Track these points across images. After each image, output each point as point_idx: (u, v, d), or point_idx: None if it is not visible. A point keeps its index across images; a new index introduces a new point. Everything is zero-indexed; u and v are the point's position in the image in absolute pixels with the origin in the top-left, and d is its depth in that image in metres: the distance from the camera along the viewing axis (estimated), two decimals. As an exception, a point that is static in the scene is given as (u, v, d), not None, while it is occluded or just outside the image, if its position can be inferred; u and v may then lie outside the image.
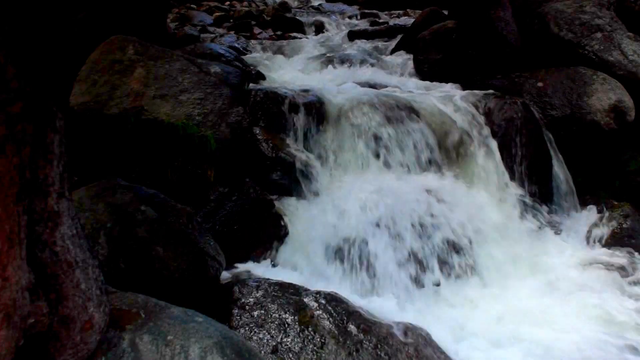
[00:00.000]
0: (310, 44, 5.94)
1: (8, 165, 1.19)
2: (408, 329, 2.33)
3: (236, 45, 5.42)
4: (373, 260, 2.87)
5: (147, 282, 2.14)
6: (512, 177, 3.50)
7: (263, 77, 4.13)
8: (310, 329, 2.18)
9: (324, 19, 7.66)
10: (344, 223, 2.99)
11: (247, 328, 2.19)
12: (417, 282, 2.87)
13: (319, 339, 2.15)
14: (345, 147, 3.33)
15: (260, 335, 2.16)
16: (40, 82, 1.30)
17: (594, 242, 3.36)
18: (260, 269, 2.79)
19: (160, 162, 2.93)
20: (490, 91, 3.83)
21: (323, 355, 2.11)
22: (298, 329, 2.18)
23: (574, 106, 3.70)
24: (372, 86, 3.99)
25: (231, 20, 7.38)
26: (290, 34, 6.73)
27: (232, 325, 2.18)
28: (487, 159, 3.49)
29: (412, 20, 6.15)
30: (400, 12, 8.16)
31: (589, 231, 3.43)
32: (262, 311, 2.24)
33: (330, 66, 4.96)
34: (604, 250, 3.28)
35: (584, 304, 2.80)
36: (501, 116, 3.60)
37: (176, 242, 2.29)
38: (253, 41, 6.03)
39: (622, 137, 3.71)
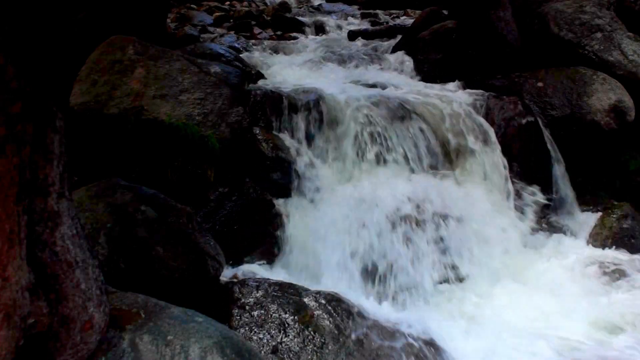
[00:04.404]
0: (310, 44, 5.94)
1: (8, 165, 1.19)
2: (408, 329, 2.33)
3: (236, 45, 5.42)
4: (373, 260, 2.87)
5: (147, 282, 2.14)
6: (512, 177, 3.50)
7: (263, 77, 4.13)
8: (310, 329, 2.18)
9: (324, 19, 7.66)
10: (345, 223, 2.99)
11: (247, 328, 2.19)
12: (418, 283, 2.87)
13: (319, 339, 2.15)
14: (345, 147, 3.33)
15: (260, 335, 2.16)
16: (40, 82, 1.30)
17: (594, 242, 3.35)
18: (260, 269, 2.79)
19: (160, 162, 2.93)
20: (490, 91, 3.83)
21: (323, 355, 2.11)
22: (298, 329, 2.18)
23: (574, 106, 3.70)
24: (372, 86, 3.99)
25: (231, 20, 7.38)
26: (290, 34, 6.73)
27: (232, 325, 2.18)
28: (487, 159, 3.49)
29: (412, 20, 6.15)
30: (400, 12, 8.15)
31: (589, 231, 3.43)
32: (262, 311, 2.24)
33: (330, 66, 4.95)
34: (604, 250, 3.28)
35: (584, 305, 2.80)
36: (501, 116, 3.60)
37: (176, 242, 2.29)
38: (253, 41, 6.03)
39: (622, 137, 3.71)
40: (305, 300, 2.30)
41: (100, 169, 2.82)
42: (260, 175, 3.13)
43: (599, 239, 3.35)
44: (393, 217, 3.02)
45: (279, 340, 2.15)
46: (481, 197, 3.36)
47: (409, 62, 4.83)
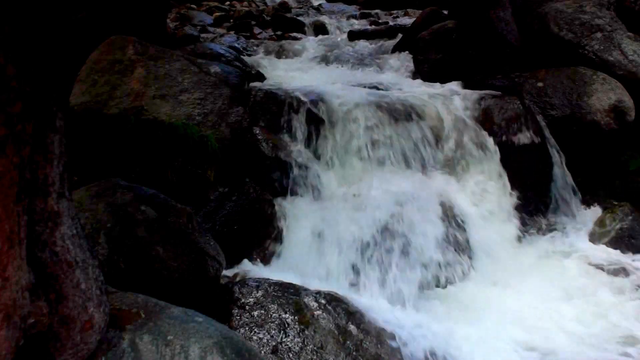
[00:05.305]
0: (310, 44, 5.94)
1: (8, 165, 1.19)
2: (408, 329, 2.33)
3: (236, 45, 5.42)
4: (373, 261, 2.87)
5: (147, 282, 2.14)
6: (512, 178, 3.50)
7: (263, 77, 4.13)
8: (310, 329, 2.18)
9: (324, 19, 7.65)
10: (344, 222, 2.99)
11: (247, 328, 2.19)
12: (418, 283, 2.87)
13: (319, 339, 2.15)
14: (345, 147, 3.33)
15: (260, 335, 2.16)
16: (40, 82, 1.30)
17: (594, 242, 3.35)
18: (260, 269, 2.79)
19: (160, 162, 2.93)
20: (490, 91, 3.83)
21: (323, 355, 2.11)
22: (298, 329, 2.18)
23: (574, 106, 3.70)
24: (372, 86, 3.99)
25: (231, 20, 7.37)
26: (291, 34, 6.72)
27: (232, 325, 2.18)
28: (486, 159, 3.49)
29: (412, 20, 6.14)
30: (400, 12, 8.14)
31: (589, 232, 3.43)
32: (262, 311, 2.24)
33: (330, 66, 4.96)
34: (605, 250, 3.27)
35: (585, 305, 2.79)
36: (501, 116, 3.60)
37: (176, 242, 2.29)
38: (253, 41, 6.03)
39: (622, 137, 3.71)
40: (305, 300, 2.30)
41: (100, 169, 2.82)
42: (260, 175, 3.13)
43: (599, 239, 3.35)
44: (392, 218, 3.02)
45: (279, 340, 2.14)
46: (481, 197, 3.36)
47: (409, 62, 4.84)
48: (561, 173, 3.67)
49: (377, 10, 8.27)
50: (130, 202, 2.32)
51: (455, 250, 3.03)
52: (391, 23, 7.03)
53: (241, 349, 1.69)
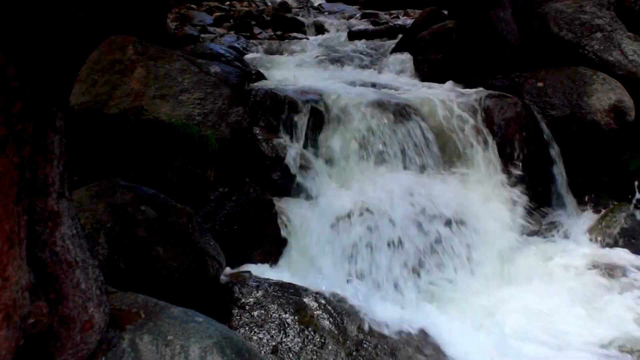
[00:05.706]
0: (310, 44, 5.94)
1: (8, 165, 1.19)
2: (408, 328, 2.33)
3: (236, 45, 5.42)
4: (372, 260, 2.87)
5: (147, 282, 2.14)
6: (511, 178, 3.50)
7: (263, 77, 4.13)
8: (310, 329, 2.18)
9: (324, 19, 7.66)
10: (344, 222, 2.99)
11: (247, 328, 2.19)
12: (417, 283, 2.87)
13: (319, 339, 2.15)
14: (344, 147, 3.33)
15: (260, 335, 2.16)
16: (40, 82, 1.30)
17: (594, 243, 3.35)
18: (260, 269, 2.79)
19: (160, 162, 2.93)
20: (490, 91, 3.83)
21: (323, 355, 2.11)
22: (298, 329, 2.18)
23: (574, 106, 3.70)
24: (372, 86, 3.99)
25: (231, 20, 7.38)
26: (291, 34, 6.73)
27: (232, 325, 2.18)
28: (486, 159, 3.49)
29: (412, 20, 6.15)
30: (400, 12, 8.14)
31: (589, 232, 3.43)
32: (262, 311, 2.24)
33: (330, 66, 4.96)
34: (604, 251, 3.27)
35: (584, 306, 2.80)
36: (501, 116, 3.60)
37: (176, 242, 2.29)
38: (253, 41, 6.03)
39: (622, 137, 3.71)
40: (305, 300, 2.30)
41: (100, 169, 2.82)
42: (260, 175, 3.13)
43: (598, 239, 3.35)
44: (391, 217, 3.02)
45: (279, 340, 2.15)
46: (480, 197, 3.36)
47: (408, 62, 4.83)
48: (561, 173, 3.67)
49: (377, 10, 8.26)
50: (130, 202, 2.33)
51: (452, 250, 3.03)
52: (391, 23, 7.03)
53: (241, 349, 1.69)
